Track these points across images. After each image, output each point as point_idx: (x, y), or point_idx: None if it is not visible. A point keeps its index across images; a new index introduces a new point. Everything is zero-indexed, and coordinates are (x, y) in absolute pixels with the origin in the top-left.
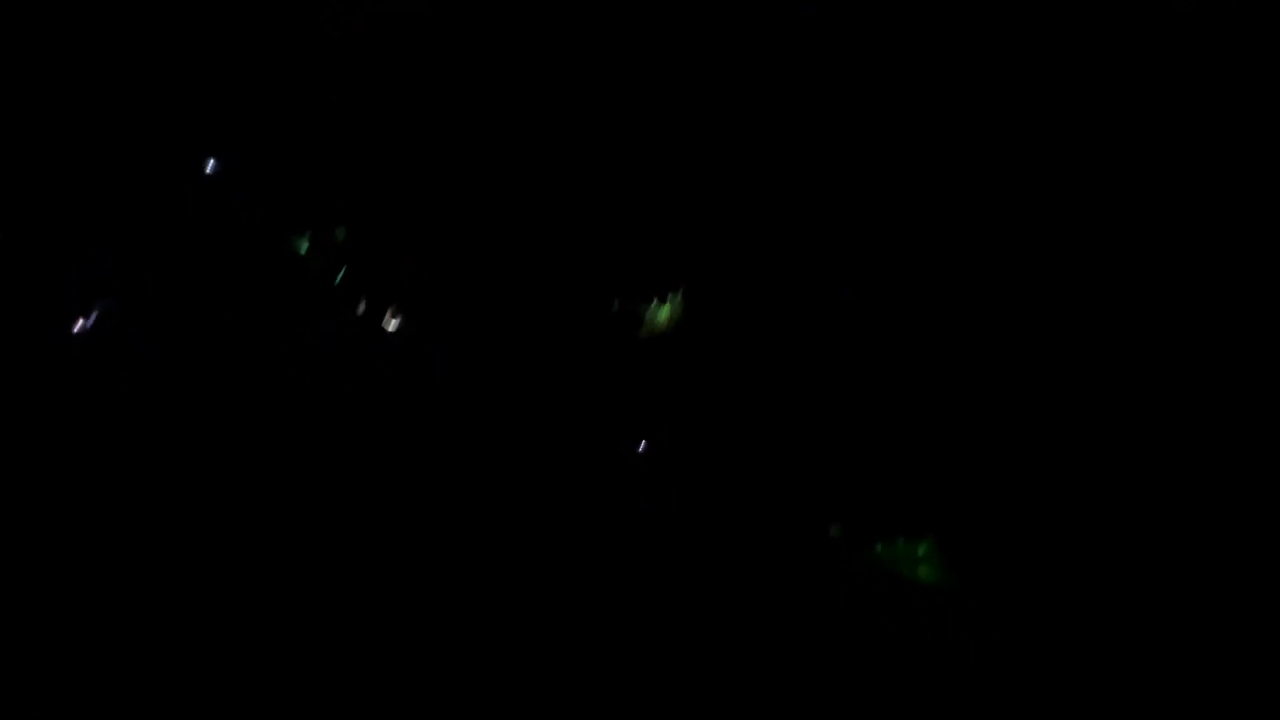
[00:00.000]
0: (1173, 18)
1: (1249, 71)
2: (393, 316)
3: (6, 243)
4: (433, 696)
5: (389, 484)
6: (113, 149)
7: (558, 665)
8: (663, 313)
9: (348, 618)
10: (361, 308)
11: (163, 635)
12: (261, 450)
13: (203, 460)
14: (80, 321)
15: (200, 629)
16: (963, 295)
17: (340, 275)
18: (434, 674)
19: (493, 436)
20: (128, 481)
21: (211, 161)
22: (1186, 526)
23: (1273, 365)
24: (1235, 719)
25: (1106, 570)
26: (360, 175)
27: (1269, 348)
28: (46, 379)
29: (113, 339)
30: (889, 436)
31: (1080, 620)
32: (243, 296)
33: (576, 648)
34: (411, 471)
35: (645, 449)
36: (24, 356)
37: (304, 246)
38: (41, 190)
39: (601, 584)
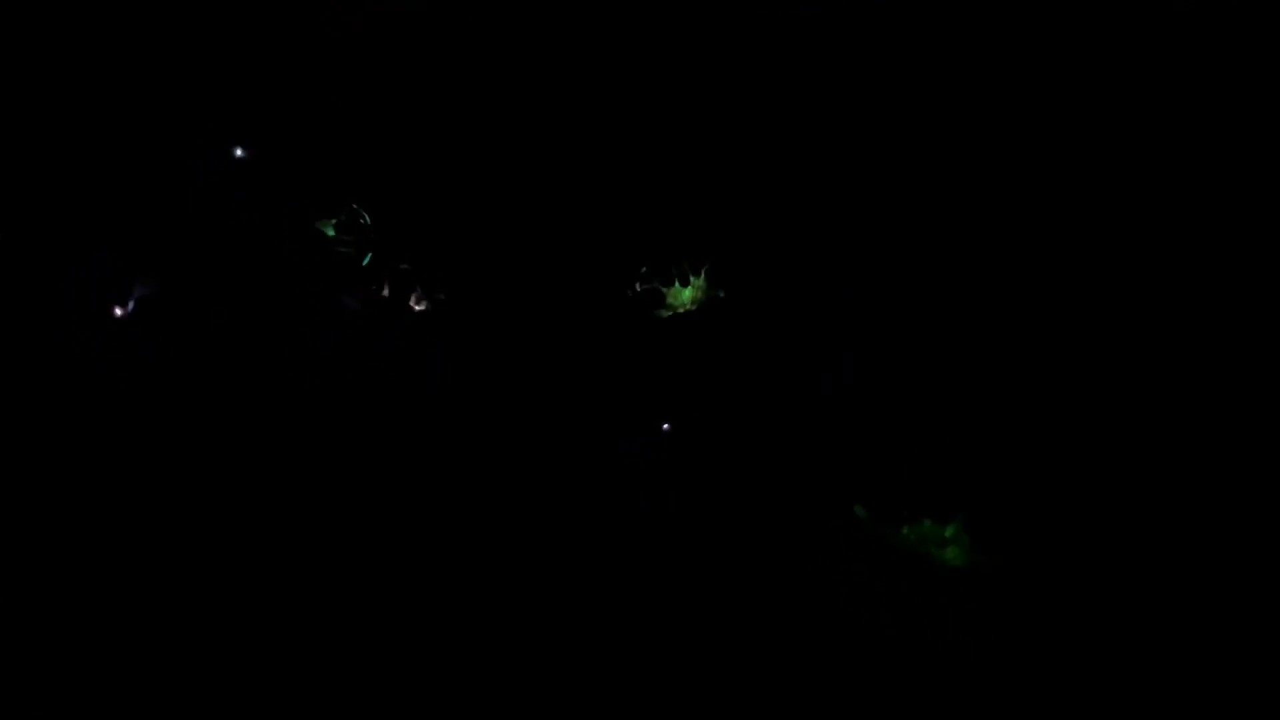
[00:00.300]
0: (1173, 18)
1: (1249, 71)
2: (419, 300)
3: (6, 243)
4: (433, 691)
5: (389, 481)
6: (112, 149)
7: (558, 658)
8: (685, 293)
9: (347, 614)
10: (386, 290)
11: (163, 632)
12: (263, 448)
13: (203, 459)
14: (118, 311)
15: (201, 625)
16: (985, 283)
17: (368, 258)
18: (434, 668)
19: (494, 433)
20: (127, 479)
21: (237, 151)
22: (1206, 517)
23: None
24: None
25: (1128, 557)
26: (367, 169)
27: (1271, 336)
28: (47, 379)
29: (113, 339)
30: (912, 423)
31: (1102, 607)
32: (244, 296)
33: (577, 642)
34: (412, 468)
35: (665, 434)
36: (24, 356)
37: (330, 230)
38: (41, 190)
39: (601, 576)
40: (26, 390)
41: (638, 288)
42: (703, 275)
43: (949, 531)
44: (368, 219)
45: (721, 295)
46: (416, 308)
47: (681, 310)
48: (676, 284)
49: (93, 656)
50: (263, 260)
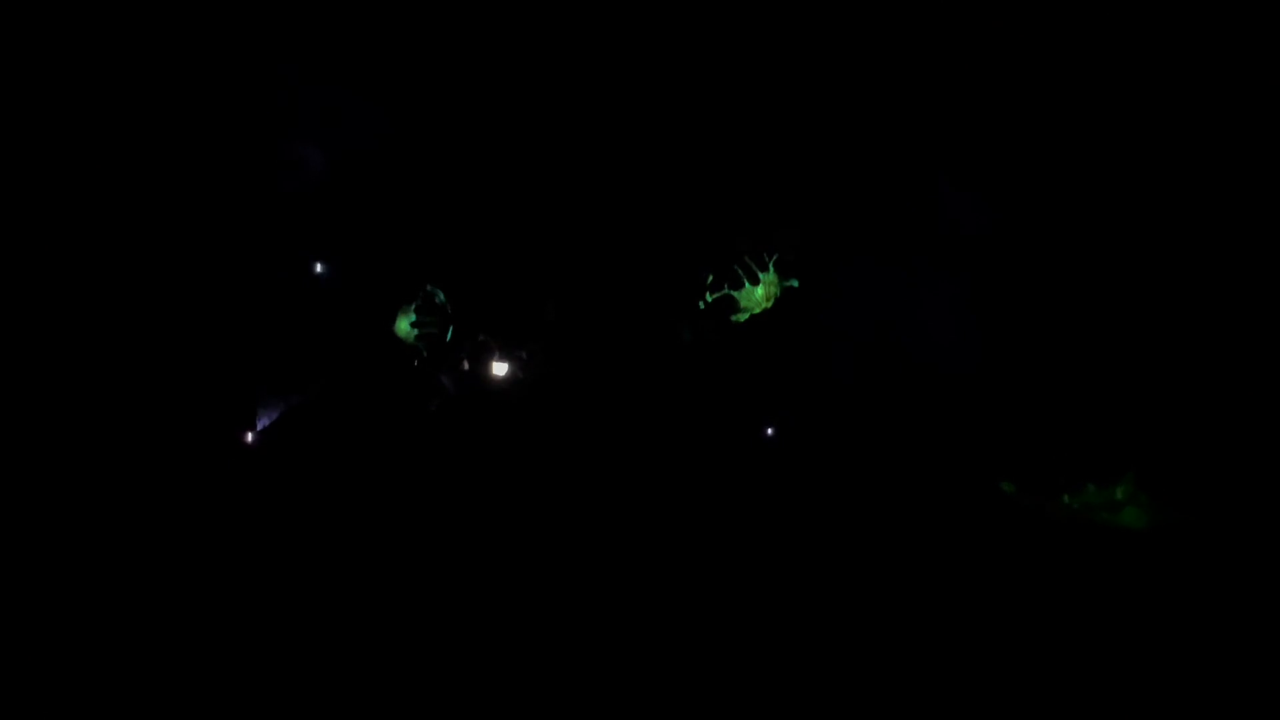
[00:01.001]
0: (1173, 17)
1: (1249, 71)
2: (498, 360)
3: (7, 242)
4: (433, 692)
5: (391, 480)
6: (113, 149)
7: (559, 655)
8: (758, 292)
9: (349, 610)
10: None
11: (164, 631)
12: (263, 447)
13: (204, 458)
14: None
15: (201, 626)
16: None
17: (450, 333)
18: (435, 669)
19: (500, 438)
20: (127, 479)
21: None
22: None
23: None
24: None
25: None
26: (368, 167)
27: None
28: (46, 379)
29: (115, 339)
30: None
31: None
32: (245, 296)
33: (577, 640)
34: (418, 472)
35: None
36: (24, 356)
37: (410, 317)
38: (41, 190)
39: (603, 574)
40: (26, 390)
41: (709, 298)
42: (771, 268)
43: (1120, 493)
44: (443, 297)
45: (796, 285)
46: (499, 374)
47: (759, 310)
48: (746, 284)
49: (90, 655)
50: (263, 261)
